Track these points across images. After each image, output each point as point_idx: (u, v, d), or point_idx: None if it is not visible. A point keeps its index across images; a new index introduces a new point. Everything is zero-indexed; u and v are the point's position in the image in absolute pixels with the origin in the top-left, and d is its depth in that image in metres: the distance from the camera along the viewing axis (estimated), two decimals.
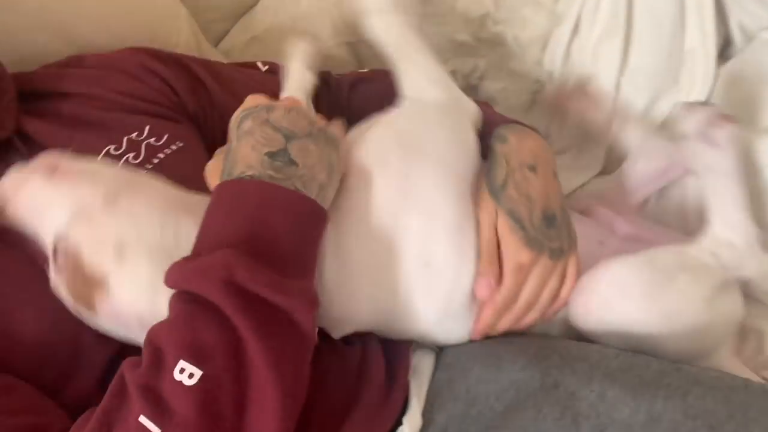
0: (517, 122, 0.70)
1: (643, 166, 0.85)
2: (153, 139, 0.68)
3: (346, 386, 0.61)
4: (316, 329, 0.53)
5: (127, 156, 0.66)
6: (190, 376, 0.46)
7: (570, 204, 0.80)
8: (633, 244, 0.73)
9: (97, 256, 0.53)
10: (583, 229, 0.67)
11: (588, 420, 0.55)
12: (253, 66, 0.83)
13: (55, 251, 0.54)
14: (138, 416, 0.45)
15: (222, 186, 0.55)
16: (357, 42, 1.06)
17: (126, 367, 0.49)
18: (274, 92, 0.66)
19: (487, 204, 0.63)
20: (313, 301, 0.52)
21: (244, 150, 0.55)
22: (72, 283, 0.54)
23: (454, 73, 1.01)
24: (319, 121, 0.60)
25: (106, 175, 0.57)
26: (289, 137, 0.55)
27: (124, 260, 0.53)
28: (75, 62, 0.74)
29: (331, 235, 0.59)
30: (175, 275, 0.50)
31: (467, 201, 0.63)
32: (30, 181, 0.55)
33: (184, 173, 0.64)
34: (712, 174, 0.73)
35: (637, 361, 0.60)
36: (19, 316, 0.56)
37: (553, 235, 0.62)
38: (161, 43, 0.84)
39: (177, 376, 0.46)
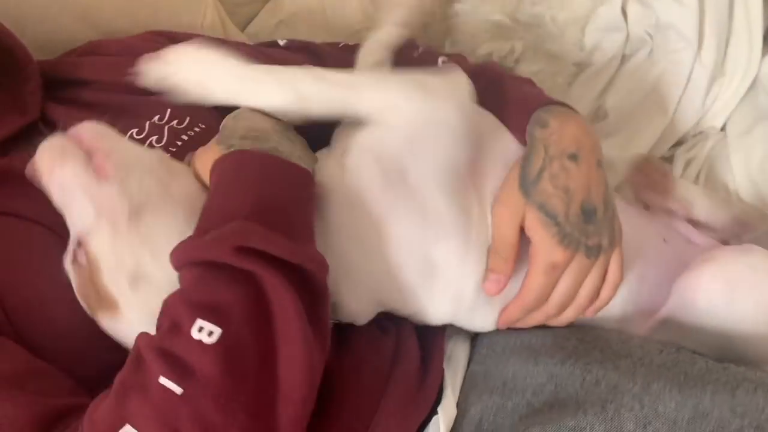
0: (560, 103, 0.64)
1: None
2: (175, 122, 0.67)
3: (380, 373, 0.60)
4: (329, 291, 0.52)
5: (150, 140, 0.65)
6: (210, 334, 0.44)
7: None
8: (695, 247, 0.71)
9: (112, 276, 0.52)
10: (646, 223, 0.65)
11: (631, 411, 0.53)
12: (273, 44, 0.82)
13: (77, 247, 0.54)
14: (157, 378, 0.44)
15: (220, 161, 0.54)
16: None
17: (140, 337, 0.47)
18: None
19: (511, 198, 0.58)
20: (324, 262, 0.51)
21: (243, 121, 0.57)
22: (83, 289, 0.54)
23: (489, 55, 0.99)
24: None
25: (137, 177, 0.55)
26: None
27: (138, 290, 0.52)
28: (94, 49, 0.74)
29: (327, 239, 0.57)
30: (184, 251, 0.49)
31: (464, 195, 0.59)
32: (67, 163, 0.54)
33: None
34: None
35: (682, 357, 0.58)
36: (53, 300, 0.56)
37: (592, 231, 0.57)
38: (185, 26, 0.84)
39: (195, 335, 0.44)
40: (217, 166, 0.54)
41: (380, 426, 0.58)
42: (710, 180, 0.92)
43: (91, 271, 0.52)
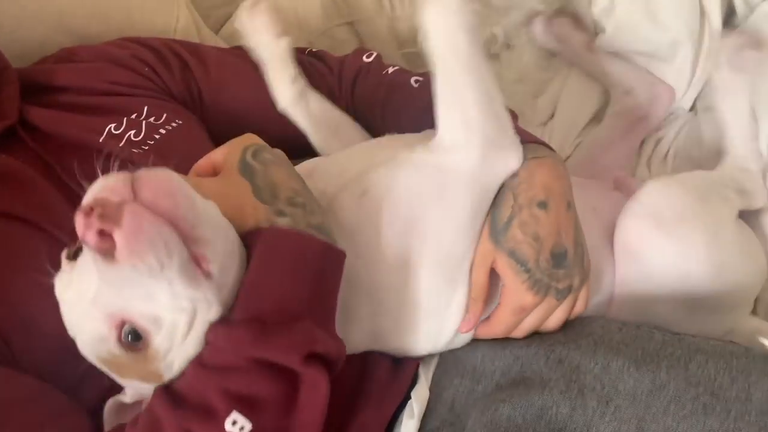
0: (534, 141, 0.63)
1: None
2: (152, 118, 0.69)
3: (355, 361, 0.61)
4: None
5: (128, 134, 0.67)
6: (241, 429, 0.46)
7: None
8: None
9: (170, 365, 0.49)
10: (580, 192, 0.68)
11: (593, 391, 0.55)
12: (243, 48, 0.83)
13: (119, 322, 0.48)
14: None
15: (273, 236, 0.51)
16: (356, 21, 1.06)
17: (160, 405, 0.47)
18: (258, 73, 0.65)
19: (483, 245, 0.59)
20: (343, 346, 0.52)
21: (281, 175, 0.54)
22: (124, 367, 0.50)
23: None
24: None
25: (230, 266, 0.49)
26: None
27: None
28: (67, 56, 0.75)
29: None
30: (245, 345, 0.47)
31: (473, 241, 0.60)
32: (172, 253, 0.45)
33: (185, 149, 0.65)
34: (730, 98, 0.77)
35: (640, 333, 0.60)
36: (41, 306, 0.54)
37: (562, 274, 0.58)
38: (159, 30, 0.85)
39: (228, 427, 0.45)
40: (271, 242, 0.50)
41: (357, 411, 0.60)
42: (679, 157, 0.95)
43: (146, 358, 0.49)
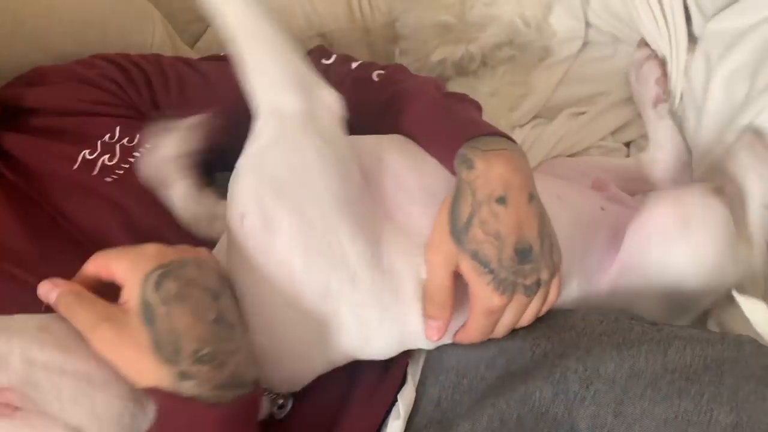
0: (493, 133, 0.62)
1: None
2: (126, 139, 0.69)
3: (344, 369, 0.61)
4: None
5: (102, 158, 0.67)
6: None
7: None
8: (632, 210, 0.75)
9: None
10: (584, 197, 0.69)
11: (575, 374, 0.56)
12: (215, 57, 0.83)
13: None
14: None
15: (167, 409, 0.47)
16: (330, 32, 1.08)
17: None
18: (229, 81, 0.60)
19: (443, 245, 0.56)
20: None
21: (186, 319, 0.48)
22: None
23: (444, 61, 1.01)
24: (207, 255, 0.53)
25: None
26: (216, 295, 0.50)
27: None
28: (38, 79, 0.74)
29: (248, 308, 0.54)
30: None
31: (371, 235, 0.56)
32: None
33: None
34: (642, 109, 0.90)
35: (621, 325, 0.61)
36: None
37: (528, 270, 0.56)
38: (135, 46, 0.85)
39: None
40: (167, 416, 0.47)
41: (346, 415, 0.61)
42: None
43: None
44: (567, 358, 0.58)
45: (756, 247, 0.74)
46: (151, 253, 0.50)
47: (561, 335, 0.60)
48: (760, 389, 0.53)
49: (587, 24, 1.02)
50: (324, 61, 0.76)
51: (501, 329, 0.60)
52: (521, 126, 1.01)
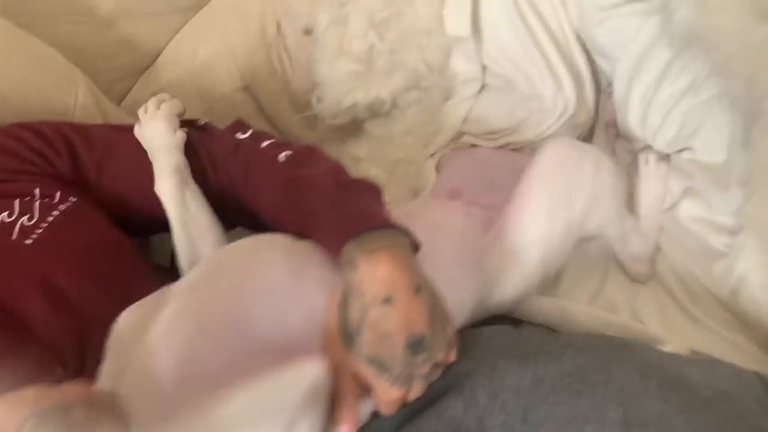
0: (383, 225, 0.62)
1: None
2: (46, 199, 0.69)
3: None
4: None
5: (21, 219, 0.66)
6: None
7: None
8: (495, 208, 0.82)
9: None
10: (449, 208, 0.73)
11: (483, 388, 0.60)
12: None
13: None
14: None
15: None
16: (254, 86, 1.12)
17: None
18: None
19: (338, 353, 0.58)
20: None
21: None
22: None
23: (355, 106, 1.06)
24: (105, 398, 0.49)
25: None
26: None
27: None
28: None
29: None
30: None
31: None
32: None
33: (82, 227, 0.66)
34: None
35: (521, 335, 0.67)
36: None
37: (422, 359, 0.58)
38: (57, 109, 0.86)
39: None
40: None
41: None
42: None
43: None
44: (476, 374, 0.62)
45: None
46: (29, 398, 0.45)
47: (470, 354, 0.64)
48: (642, 383, 0.59)
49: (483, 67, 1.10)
50: (238, 136, 0.77)
51: (412, 398, 0.60)
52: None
